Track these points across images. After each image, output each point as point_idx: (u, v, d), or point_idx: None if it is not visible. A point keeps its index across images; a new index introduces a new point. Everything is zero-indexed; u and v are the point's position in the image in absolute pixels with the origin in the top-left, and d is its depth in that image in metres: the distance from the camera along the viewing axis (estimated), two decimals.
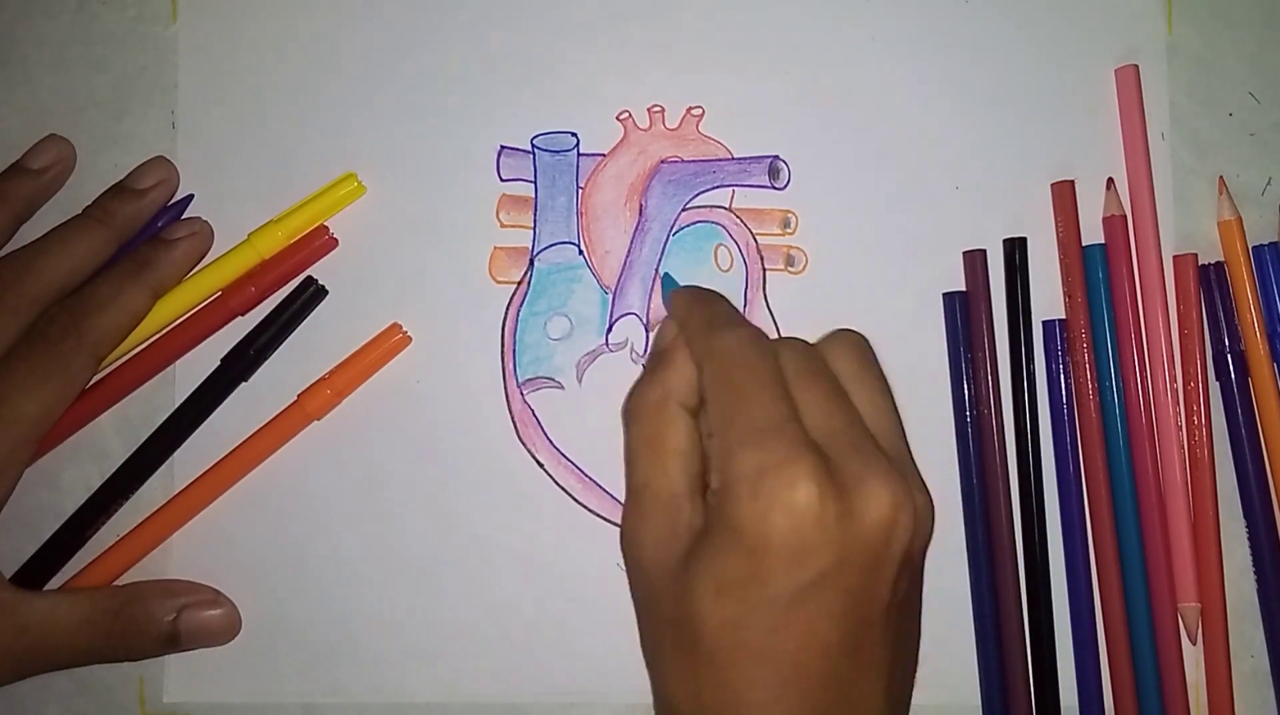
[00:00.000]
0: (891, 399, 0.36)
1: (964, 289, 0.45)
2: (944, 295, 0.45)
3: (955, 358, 0.44)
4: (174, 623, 0.43)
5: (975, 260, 0.45)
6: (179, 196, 0.45)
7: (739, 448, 0.32)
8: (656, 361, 0.36)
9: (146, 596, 0.43)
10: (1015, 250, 0.45)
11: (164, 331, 0.44)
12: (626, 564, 0.36)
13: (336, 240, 0.45)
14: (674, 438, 0.35)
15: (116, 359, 0.44)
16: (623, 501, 0.36)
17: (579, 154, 0.46)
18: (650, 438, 0.35)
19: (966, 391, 0.44)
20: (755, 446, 0.32)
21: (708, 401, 0.34)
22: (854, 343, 0.37)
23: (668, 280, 0.44)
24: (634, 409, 0.36)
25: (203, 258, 0.45)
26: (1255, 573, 0.44)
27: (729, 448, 0.33)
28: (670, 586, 0.34)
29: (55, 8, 0.47)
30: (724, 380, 0.34)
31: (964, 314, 0.44)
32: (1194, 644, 0.43)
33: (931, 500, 0.35)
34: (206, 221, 0.45)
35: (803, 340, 0.37)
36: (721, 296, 0.38)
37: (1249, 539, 0.44)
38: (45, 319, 0.42)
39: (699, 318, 0.36)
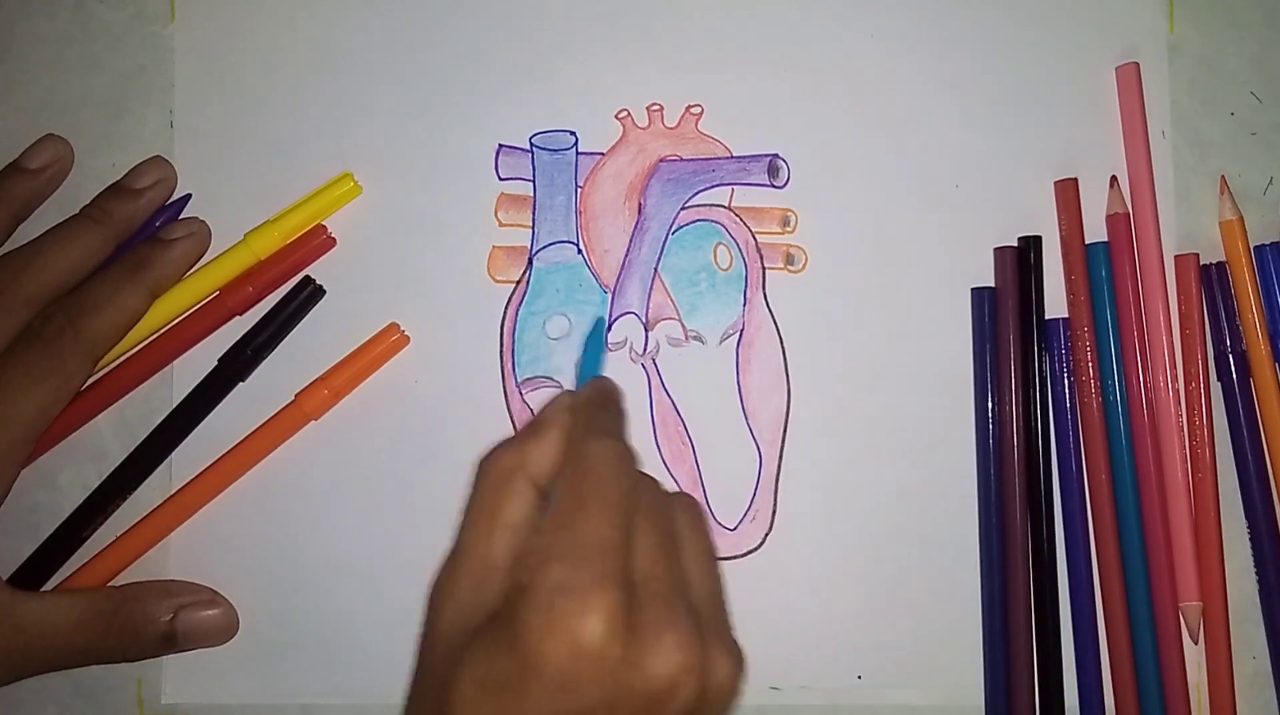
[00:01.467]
0: (718, 565, 0.35)
1: (984, 285, 0.45)
2: (973, 290, 0.45)
3: (980, 354, 0.44)
4: (171, 623, 0.43)
5: (1006, 257, 0.44)
6: (176, 196, 0.45)
7: (554, 557, 0.31)
8: (529, 429, 0.35)
9: (143, 597, 0.43)
10: (1029, 248, 0.44)
11: (161, 332, 0.44)
12: (425, 619, 0.35)
13: (334, 239, 0.45)
14: (510, 511, 0.34)
15: (114, 359, 0.44)
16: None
17: (578, 153, 0.45)
18: (488, 504, 0.34)
19: (992, 389, 0.44)
20: (568, 562, 0.31)
21: (554, 499, 0.33)
22: (693, 504, 0.36)
23: (595, 332, 0.43)
24: (485, 468, 0.35)
25: (200, 258, 0.45)
26: (1257, 572, 0.43)
27: (545, 553, 0.32)
28: (445, 660, 0.32)
29: (53, 7, 0.47)
30: (574, 487, 0.33)
31: (991, 310, 0.44)
32: (1195, 643, 0.43)
33: (739, 669, 0.33)
34: (204, 222, 0.45)
35: (658, 482, 0.35)
36: (619, 403, 0.37)
37: (1250, 538, 0.43)
38: (41, 319, 0.41)
39: (585, 416, 0.35)
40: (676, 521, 0.34)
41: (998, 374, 0.44)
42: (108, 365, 0.44)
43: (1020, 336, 0.44)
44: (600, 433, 0.34)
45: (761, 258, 0.45)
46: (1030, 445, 0.44)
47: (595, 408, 0.36)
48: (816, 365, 0.45)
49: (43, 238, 0.43)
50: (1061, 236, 0.44)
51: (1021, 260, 0.44)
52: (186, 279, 0.44)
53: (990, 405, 0.44)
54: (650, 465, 0.44)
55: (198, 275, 0.44)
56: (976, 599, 0.44)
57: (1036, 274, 0.44)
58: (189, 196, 0.45)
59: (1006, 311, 0.44)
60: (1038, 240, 0.44)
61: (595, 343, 0.42)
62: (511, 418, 0.45)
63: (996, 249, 0.45)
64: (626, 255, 0.45)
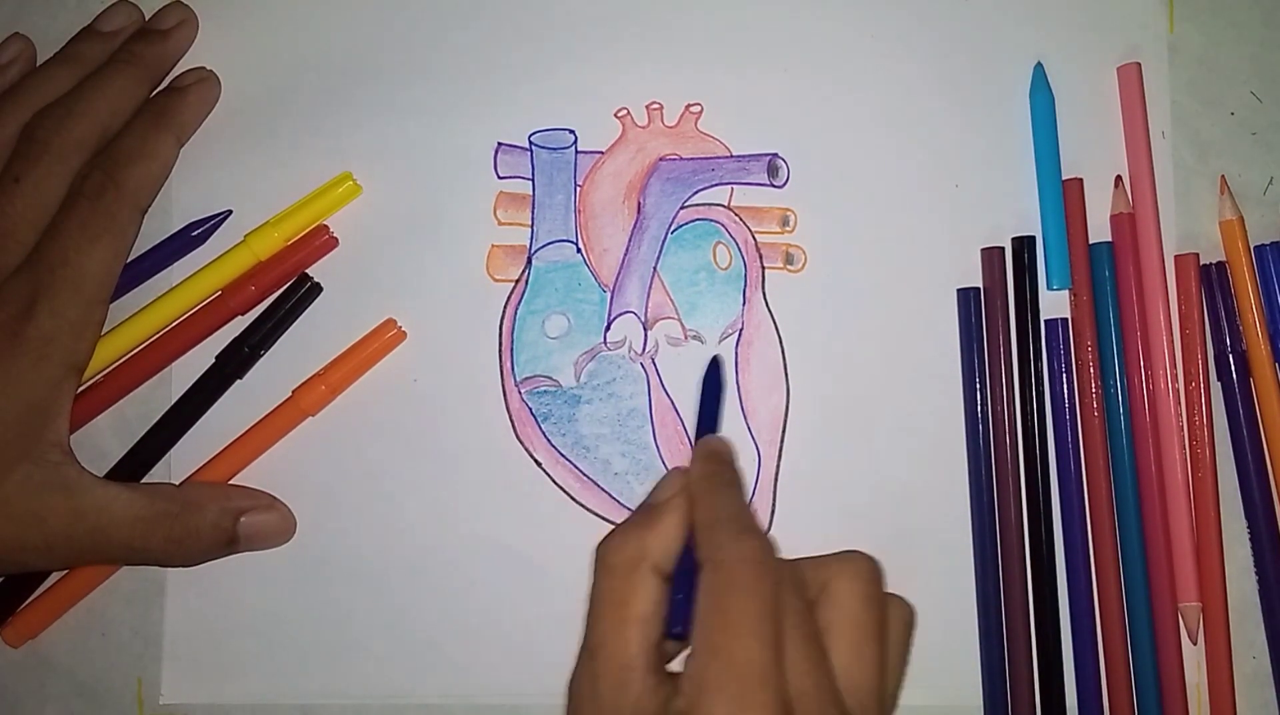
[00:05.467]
0: (879, 646, 0.34)
1: (979, 285, 0.45)
2: (959, 291, 0.45)
3: (968, 354, 0.44)
4: (234, 528, 0.42)
5: (993, 257, 0.44)
6: (217, 209, 0.45)
7: (711, 688, 0.31)
8: (646, 515, 0.35)
9: (205, 503, 0.42)
10: (1024, 248, 0.44)
11: (163, 332, 0.44)
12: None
13: (337, 240, 0.45)
14: (640, 603, 0.33)
15: (115, 361, 0.44)
16: (578, 649, 0.34)
17: (577, 151, 0.46)
18: (616, 597, 0.34)
19: (979, 389, 0.44)
20: (726, 694, 0.31)
21: (699, 607, 0.33)
22: (861, 575, 0.35)
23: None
24: (606, 560, 0.34)
25: (214, 104, 0.45)
26: (1256, 572, 0.43)
27: (701, 683, 0.32)
28: None
29: (53, 7, 0.47)
30: (718, 601, 0.32)
31: (977, 310, 0.44)
32: (1194, 644, 0.43)
33: None
34: (211, 69, 0.45)
35: (803, 567, 0.35)
36: (735, 469, 0.36)
37: (1250, 538, 0.43)
38: (79, 178, 0.41)
39: (712, 505, 0.35)
40: (834, 602, 0.34)
41: (989, 375, 0.44)
42: (109, 366, 0.44)
43: (1013, 336, 0.44)
44: (731, 530, 0.34)
45: (761, 257, 0.45)
46: (1028, 446, 0.44)
47: (715, 494, 0.35)
48: (816, 365, 0.45)
49: (80, 86, 0.43)
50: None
51: (1016, 261, 0.44)
52: (186, 281, 0.44)
53: (980, 407, 0.44)
54: (650, 465, 0.45)
55: (197, 277, 0.44)
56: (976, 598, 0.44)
57: (1030, 274, 0.44)
58: (229, 212, 0.45)
59: (995, 311, 0.44)
60: (1031, 240, 0.44)
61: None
62: (510, 416, 0.45)
63: (984, 249, 0.45)
64: (625, 254, 0.45)
